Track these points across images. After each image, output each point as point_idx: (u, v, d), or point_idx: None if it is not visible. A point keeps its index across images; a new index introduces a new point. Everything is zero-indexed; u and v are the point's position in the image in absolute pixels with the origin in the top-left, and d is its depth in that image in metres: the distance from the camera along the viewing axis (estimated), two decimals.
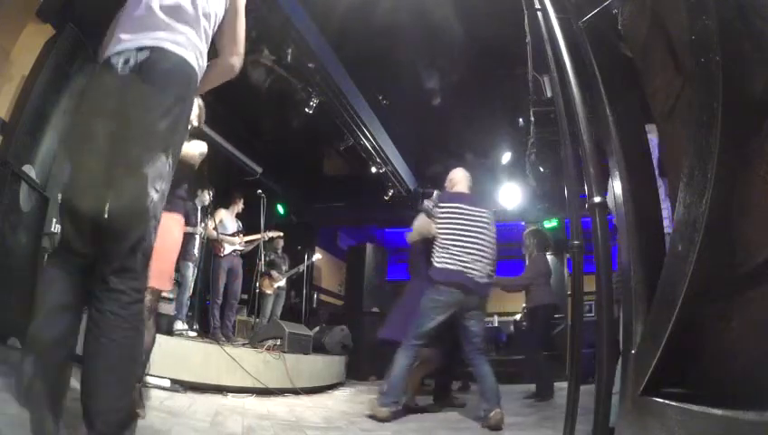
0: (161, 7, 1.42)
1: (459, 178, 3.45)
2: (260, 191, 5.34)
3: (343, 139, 6.16)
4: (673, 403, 0.99)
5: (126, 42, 1.37)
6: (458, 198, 3.28)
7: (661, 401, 1.06)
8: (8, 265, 2.72)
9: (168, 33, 1.40)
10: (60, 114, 3.43)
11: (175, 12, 1.44)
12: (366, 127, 6.06)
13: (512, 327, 8.28)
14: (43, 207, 3.14)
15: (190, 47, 1.44)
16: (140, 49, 1.36)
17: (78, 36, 3.53)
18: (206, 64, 1.55)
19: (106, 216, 1.29)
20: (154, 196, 1.33)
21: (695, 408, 0.88)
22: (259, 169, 6.59)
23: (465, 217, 3.16)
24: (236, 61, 1.67)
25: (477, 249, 3.08)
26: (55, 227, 4.14)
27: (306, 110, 5.20)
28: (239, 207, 5.20)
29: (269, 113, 6.00)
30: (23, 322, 2.66)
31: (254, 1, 4.03)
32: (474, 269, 3.02)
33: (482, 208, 3.24)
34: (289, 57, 4.53)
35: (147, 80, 1.33)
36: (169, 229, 1.96)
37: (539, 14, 1.99)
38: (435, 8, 4.35)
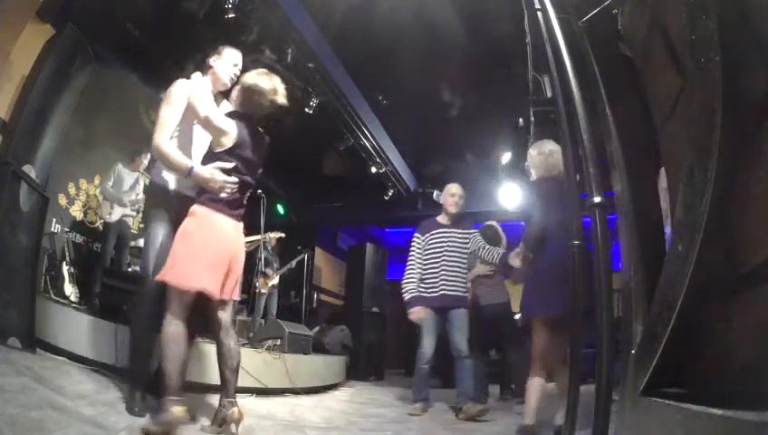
0: None
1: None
2: (260, 191, 5.32)
3: (343, 139, 6.15)
4: (673, 403, 0.99)
5: None
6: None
7: (661, 401, 1.06)
8: (8, 265, 2.72)
9: None
10: (60, 114, 3.43)
11: None
12: (366, 127, 6.05)
13: None
14: (43, 207, 3.13)
15: None
16: None
17: (78, 36, 3.53)
18: None
19: None
20: None
21: (695, 408, 0.87)
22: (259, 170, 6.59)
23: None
24: None
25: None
26: (55, 227, 4.15)
27: (306, 110, 5.20)
28: None
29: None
30: (23, 322, 2.67)
31: (254, 1, 4.04)
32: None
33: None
34: (289, 57, 4.53)
35: None
36: None
37: (539, 14, 1.99)
38: (435, 8, 4.35)
